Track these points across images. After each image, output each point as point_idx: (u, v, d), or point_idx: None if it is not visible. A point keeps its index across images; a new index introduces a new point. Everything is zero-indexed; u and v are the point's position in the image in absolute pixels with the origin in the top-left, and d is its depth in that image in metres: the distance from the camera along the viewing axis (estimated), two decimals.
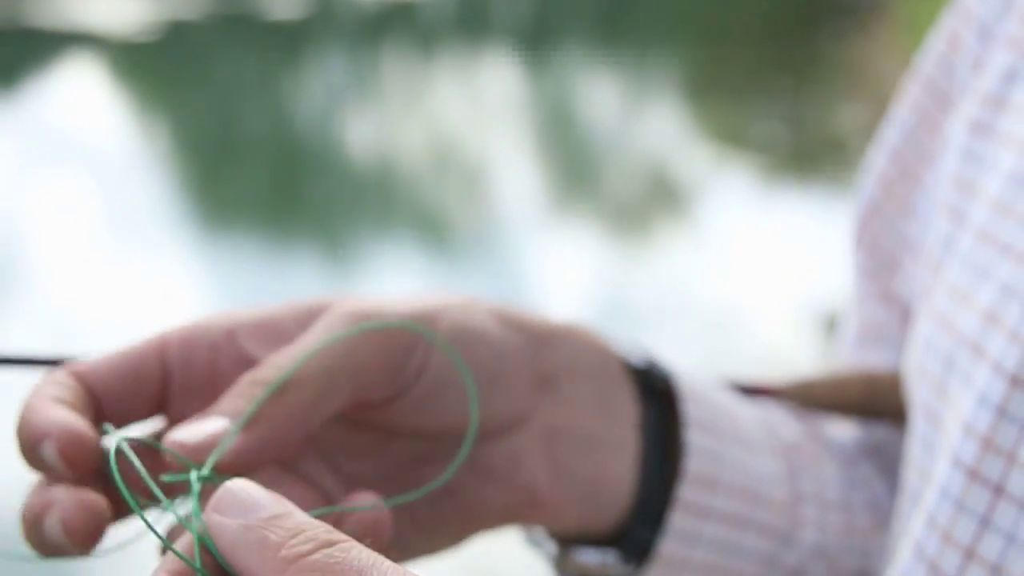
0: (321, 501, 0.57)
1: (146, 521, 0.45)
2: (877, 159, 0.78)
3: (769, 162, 7.36)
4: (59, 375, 0.54)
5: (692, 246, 6.00)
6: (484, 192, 7.15)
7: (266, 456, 0.52)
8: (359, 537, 0.53)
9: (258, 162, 7.40)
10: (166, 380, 0.55)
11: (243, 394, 0.52)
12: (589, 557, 0.65)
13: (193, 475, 0.49)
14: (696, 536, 0.66)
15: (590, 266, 5.54)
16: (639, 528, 0.65)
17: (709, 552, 0.66)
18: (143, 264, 5.33)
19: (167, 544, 0.44)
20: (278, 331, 0.57)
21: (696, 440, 0.65)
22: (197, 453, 0.50)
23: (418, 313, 0.57)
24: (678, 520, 0.65)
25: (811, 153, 7.68)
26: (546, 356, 0.62)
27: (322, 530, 0.42)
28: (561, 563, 0.67)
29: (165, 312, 4.79)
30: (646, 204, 6.90)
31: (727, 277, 5.39)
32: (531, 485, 0.61)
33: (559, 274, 5.41)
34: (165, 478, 0.49)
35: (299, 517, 0.43)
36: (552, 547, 0.67)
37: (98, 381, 0.54)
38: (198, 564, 0.43)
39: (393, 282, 5.20)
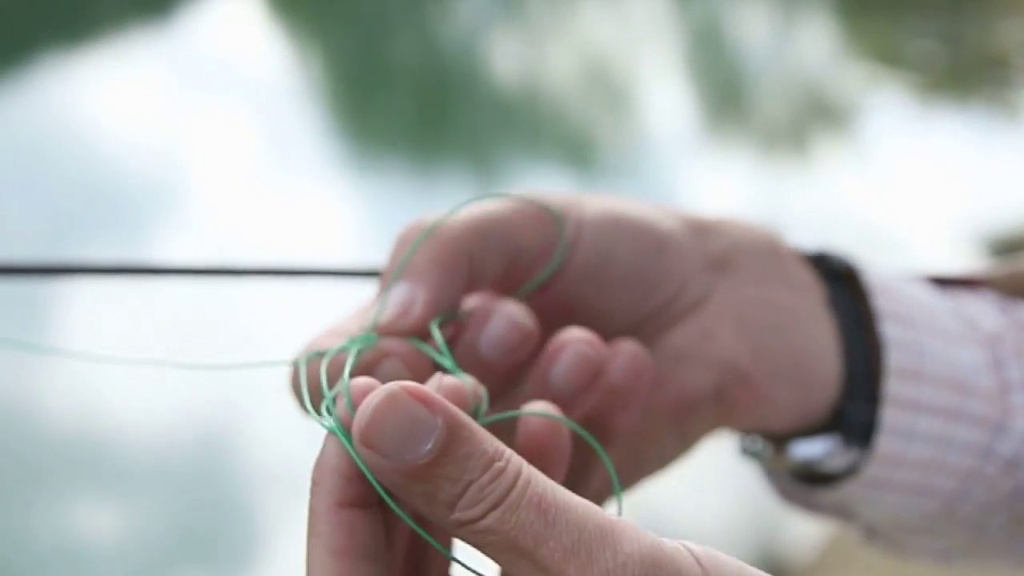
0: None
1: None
2: None
3: (925, 81, 7.18)
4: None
5: (847, 166, 5.90)
6: (634, 114, 7.10)
7: (430, 306, 0.53)
8: (628, 377, 0.55)
9: (408, 88, 7.44)
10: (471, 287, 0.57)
11: (400, 250, 0.55)
12: (809, 448, 0.64)
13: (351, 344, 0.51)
14: (910, 431, 0.64)
15: (742, 187, 5.49)
16: (854, 405, 0.63)
17: (925, 447, 0.64)
18: (297, 188, 5.42)
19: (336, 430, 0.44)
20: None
21: (893, 333, 0.64)
22: (380, 329, 0.53)
23: (564, 199, 0.59)
24: (890, 416, 0.63)
25: (969, 71, 7.47)
26: (714, 241, 0.62)
27: (488, 475, 0.41)
28: (777, 463, 0.66)
29: (319, 235, 4.87)
30: (799, 124, 6.79)
31: (883, 197, 5.29)
32: (732, 360, 0.60)
33: (711, 195, 5.37)
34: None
35: (461, 451, 0.41)
36: (768, 448, 0.66)
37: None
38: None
39: None
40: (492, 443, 0.41)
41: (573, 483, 0.54)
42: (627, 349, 0.56)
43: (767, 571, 0.41)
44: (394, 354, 0.52)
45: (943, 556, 0.73)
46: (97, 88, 6.73)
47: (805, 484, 0.67)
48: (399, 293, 0.54)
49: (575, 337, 0.54)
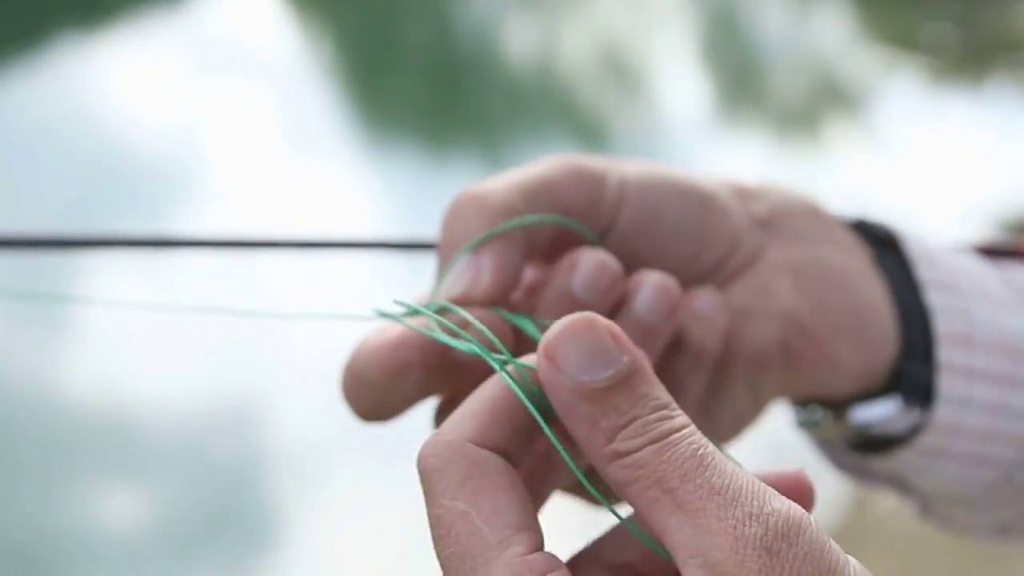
0: None
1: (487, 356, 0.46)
2: None
3: (940, 64, 7.16)
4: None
5: (861, 150, 5.89)
6: (647, 97, 7.10)
7: (498, 273, 0.53)
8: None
9: (421, 69, 7.44)
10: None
11: (451, 222, 0.55)
12: (871, 412, 0.63)
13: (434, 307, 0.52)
14: (967, 399, 0.62)
15: (757, 171, 5.48)
16: (913, 365, 0.62)
17: (982, 416, 0.63)
18: (311, 168, 5.43)
19: (503, 370, 0.45)
20: None
21: (938, 300, 0.63)
22: (451, 301, 0.53)
23: (602, 160, 0.58)
24: (946, 384, 0.62)
25: (984, 55, 7.45)
26: (757, 203, 0.62)
27: (656, 415, 0.41)
28: (836, 431, 0.65)
29: (333, 216, 4.89)
30: (814, 108, 6.78)
31: (898, 181, 5.29)
32: (794, 313, 0.59)
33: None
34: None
35: (638, 389, 0.41)
36: (827, 416, 0.65)
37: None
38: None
39: None
40: (668, 396, 0.42)
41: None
42: (703, 294, 0.56)
43: None
44: (479, 320, 0.51)
45: (1000, 532, 0.72)
46: (113, 70, 6.74)
47: (860, 453, 0.66)
48: (464, 264, 0.53)
49: (652, 273, 0.55)
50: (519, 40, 8.31)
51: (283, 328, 3.79)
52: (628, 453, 0.40)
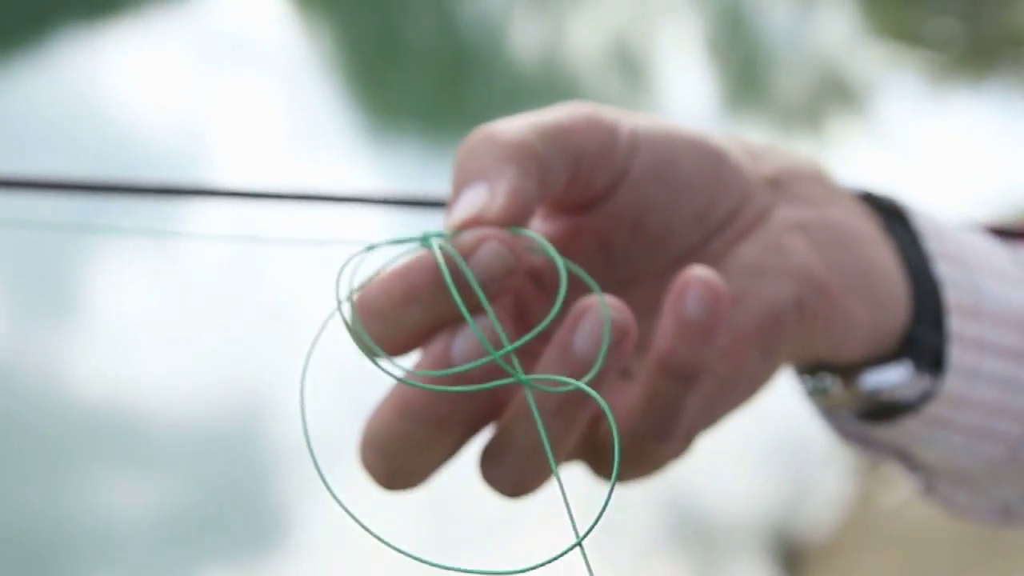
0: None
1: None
2: None
3: (944, 60, 7.16)
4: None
5: (864, 145, 5.90)
6: (652, 92, 7.10)
7: (513, 196, 0.52)
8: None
9: (425, 63, 7.44)
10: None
11: (466, 157, 0.55)
12: (882, 377, 0.62)
13: (434, 241, 0.50)
14: (976, 371, 0.62)
15: None
16: (923, 329, 0.62)
17: (990, 389, 0.62)
18: (315, 161, 5.44)
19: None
20: None
21: (946, 272, 0.62)
22: (462, 223, 0.52)
23: (614, 109, 0.58)
24: (956, 354, 0.61)
25: (988, 50, 7.45)
26: (764, 163, 0.61)
27: None
28: (845, 398, 0.64)
29: (333, 213, 4.89)
30: (817, 103, 6.78)
31: (900, 177, 5.29)
32: (808, 269, 0.58)
33: None
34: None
35: None
36: (836, 383, 0.63)
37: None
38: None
39: None
40: None
41: (659, 423, 0.54)
42: (699, 276, 0.53)
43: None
44: (493, 239, 0.50)
45: (1002, 514, 0.71)
46: (118, 64, 6.75)
47: (866, 422, 0.65)
48: (475, 191, 0.52)
49: (697, 269, 0.53)
50: (524, 34, 8.31)
51: (293, 322, 3.80)
52: None
